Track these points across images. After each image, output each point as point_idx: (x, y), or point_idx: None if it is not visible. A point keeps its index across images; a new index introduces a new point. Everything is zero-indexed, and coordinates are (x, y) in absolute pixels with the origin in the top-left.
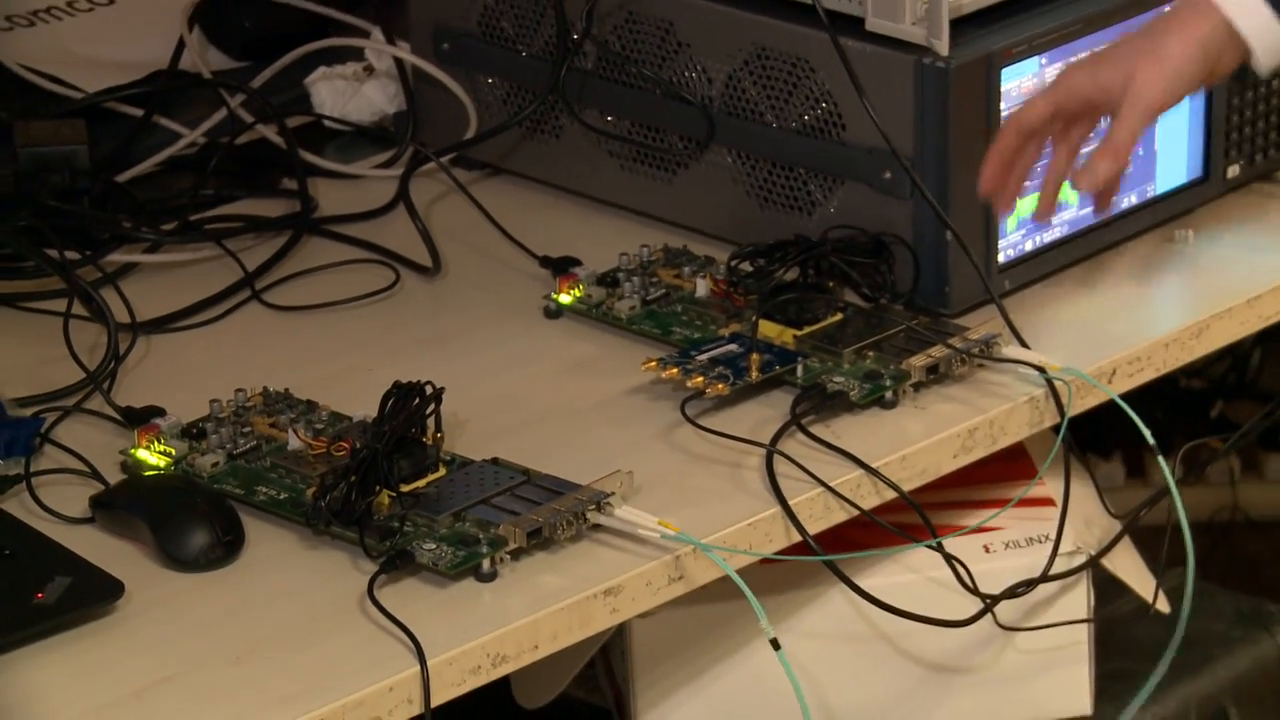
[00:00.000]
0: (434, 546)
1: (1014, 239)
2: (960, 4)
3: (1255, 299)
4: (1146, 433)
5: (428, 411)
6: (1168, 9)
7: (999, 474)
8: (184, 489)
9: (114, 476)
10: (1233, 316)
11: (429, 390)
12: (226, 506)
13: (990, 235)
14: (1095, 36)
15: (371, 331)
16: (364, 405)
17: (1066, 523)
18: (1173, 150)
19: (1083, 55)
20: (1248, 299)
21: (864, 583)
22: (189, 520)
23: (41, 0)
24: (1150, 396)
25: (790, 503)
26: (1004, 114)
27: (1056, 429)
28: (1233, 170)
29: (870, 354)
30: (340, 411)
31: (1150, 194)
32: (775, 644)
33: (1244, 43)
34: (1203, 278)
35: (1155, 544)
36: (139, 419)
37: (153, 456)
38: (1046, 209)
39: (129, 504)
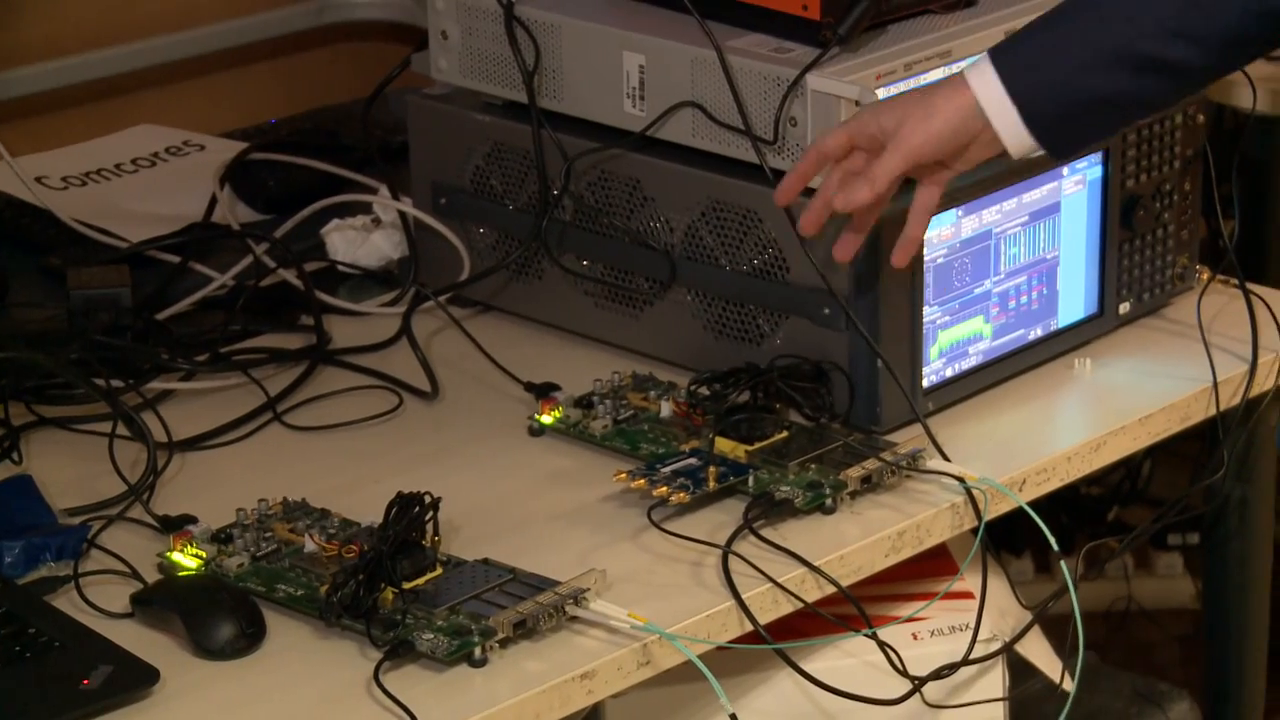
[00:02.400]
0: (432, 636)
1: (937, 366)
2: None
3: (1146, 418)
4: (1051, 539)
5: (427, 518)
6: (942, 83)
7: (925, 570)
8: (213, 587)
9: (151, 576)
10: (1126, 433)
11: (428, 499)
12: (250, 602)
13: (916, 363)
14: (1002, 193)
15: (378, 448)
16: (371, 513)
17: (984, 613)
18: (1072, 289)
19: (877, 104)
20: (1139, 418)
21: (808, 666)
22: (217, 615)
23: (93, 163)
24: (1055, 502)
25: (743, 597)
26: (926, 259)
27: (975, 531)
28: (1124, 307)
29: (812, 466)
30: (350, 518)
31: (1053, 328)
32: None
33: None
34: (1100, 400)
35: (1061, 631)
36: (174, 526)
37: (186, 559)
38: (813, 220)
39: (164, 600)
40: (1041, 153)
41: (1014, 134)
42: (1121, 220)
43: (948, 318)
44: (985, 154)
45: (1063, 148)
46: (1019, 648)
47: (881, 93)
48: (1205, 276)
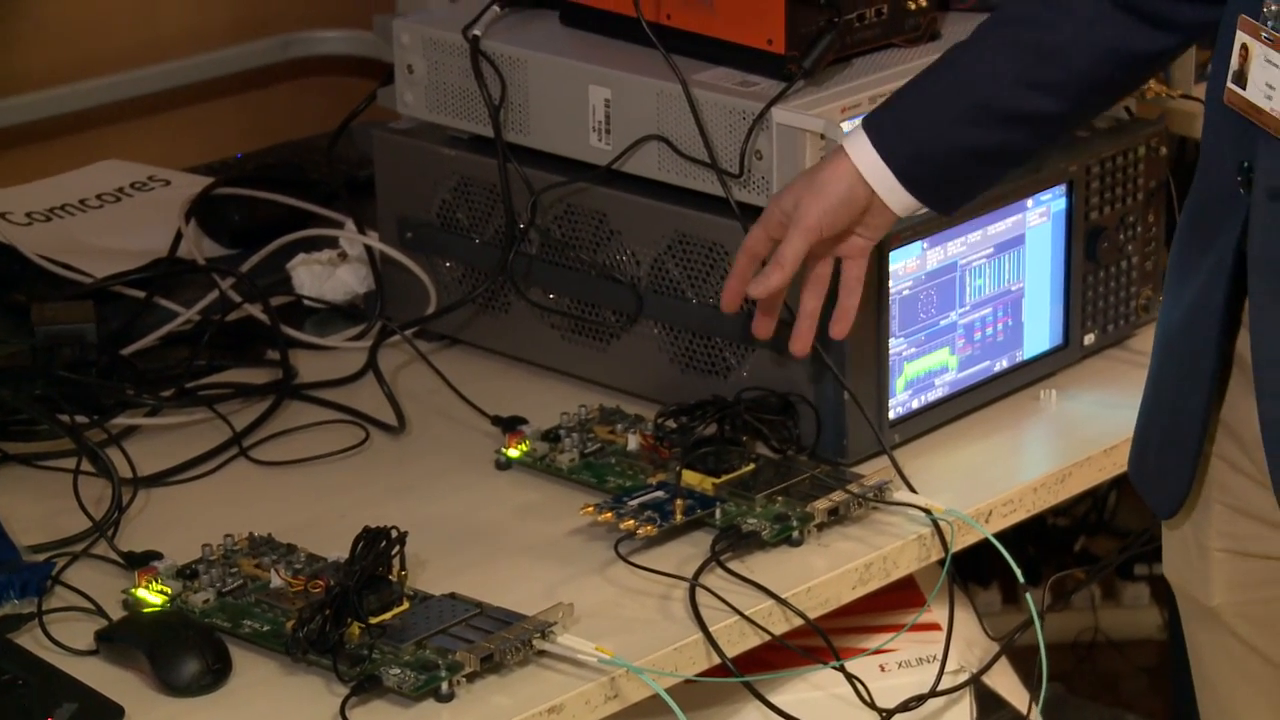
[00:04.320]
0: (399, 671)
1: (903, 398)
2: None
3: (1111, 449)
4: (1017, 571)
5: (393, 553)
6: (828, 155)
7: (892, 602)
8: (178, 623)
9: (116, 613)
10: (1092, 464)
11: (394, 534)
12: (215, 638)
13: (882, 395)
14: (967, 225)
15: (344, 483)
16: (337, 548)
17: (951, 645)
18: (1037, 321)
19: (778, 193)
20: (1104, 449)
21: (776, 699)
22: (182, 651)
23: (58, 198)
24: (1022, 533)
25: (711, 630)
26: (892, 291)
27: (942, 563)
28: (1089, 338)
29: (779, 499)
30: (316, 553)
31: (1019, 359)
32: None
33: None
34: (1065, 431)
35: (1029, 662)
36: (139, 562)
37: (151, 595)
38: (763, 326)
39: (129, 637)
40: (925, 210)
41: (895, 196)
42: (1086, 252)
43: (914, 349)
44: (883, 218)
45: (944, 203)
46: (986, 679)
47: (846, 126)
48: None
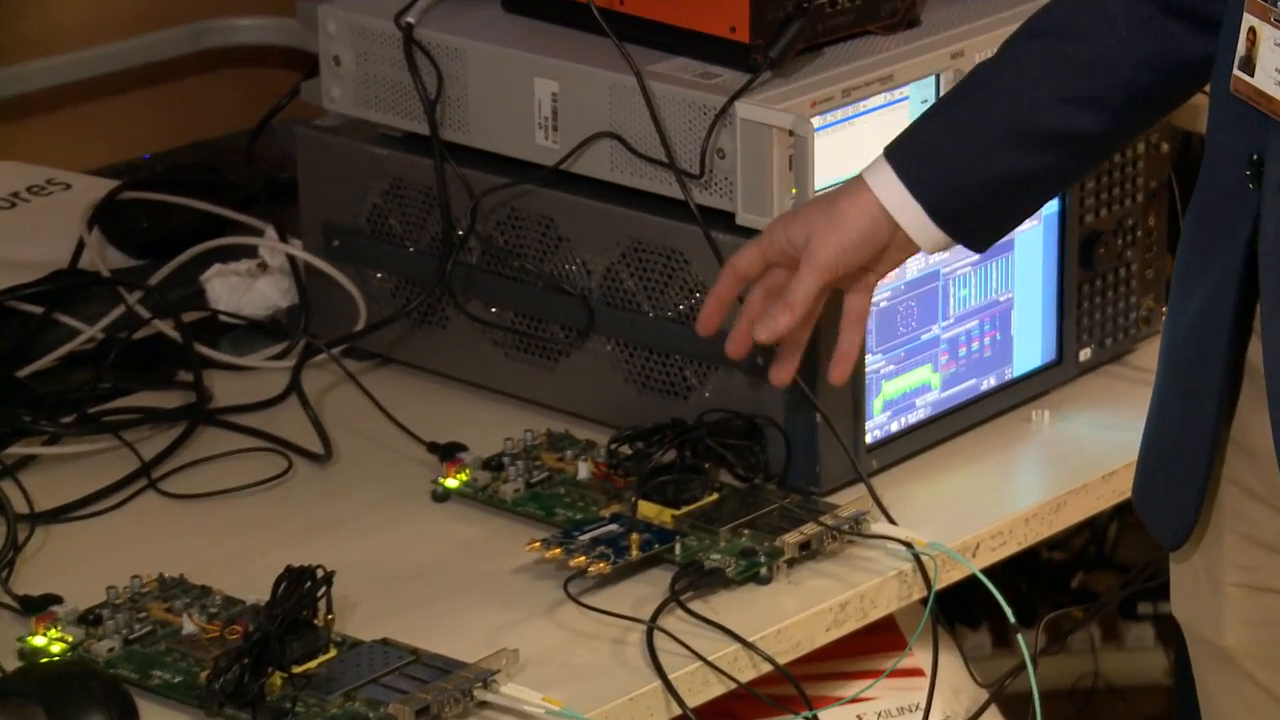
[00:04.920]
0: None
1: (880, 420)
2: None
3: (1110, 475)
4: (1007, 610)
5: (319, 594)
6: (845, 185)
7: (870, 646)
8: (80, 675)
9: (11, 664)
10: (1089, 492)
11: (320, 573)
12: (122, 691)
13: (858, 417)
14: None
15: (264, 518)
16: (257, 589)
17: (935, 692)
18: (1028, 335)
19: (788, 212)
20: (1103, 475)
21: None
22: (84, 706)
23: None
24: (1013, 569)
25: (670, 677)
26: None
27: (925, 602)
28: (1085, 354)
29: (745, 532)
30: (234, 596)
31: (1008, 377)
32: None
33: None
34: (1060, 456)
35: (1021, 711)
36: (36, 607)
37: (49, 643)
38: (739, 344)
39: (26, 691)
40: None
41: (924, 233)
42: (1081, 259)
43: (892, 367)
44: (904, 255)
45: (978, 239)
46: None
47: (818, 121)
48: None
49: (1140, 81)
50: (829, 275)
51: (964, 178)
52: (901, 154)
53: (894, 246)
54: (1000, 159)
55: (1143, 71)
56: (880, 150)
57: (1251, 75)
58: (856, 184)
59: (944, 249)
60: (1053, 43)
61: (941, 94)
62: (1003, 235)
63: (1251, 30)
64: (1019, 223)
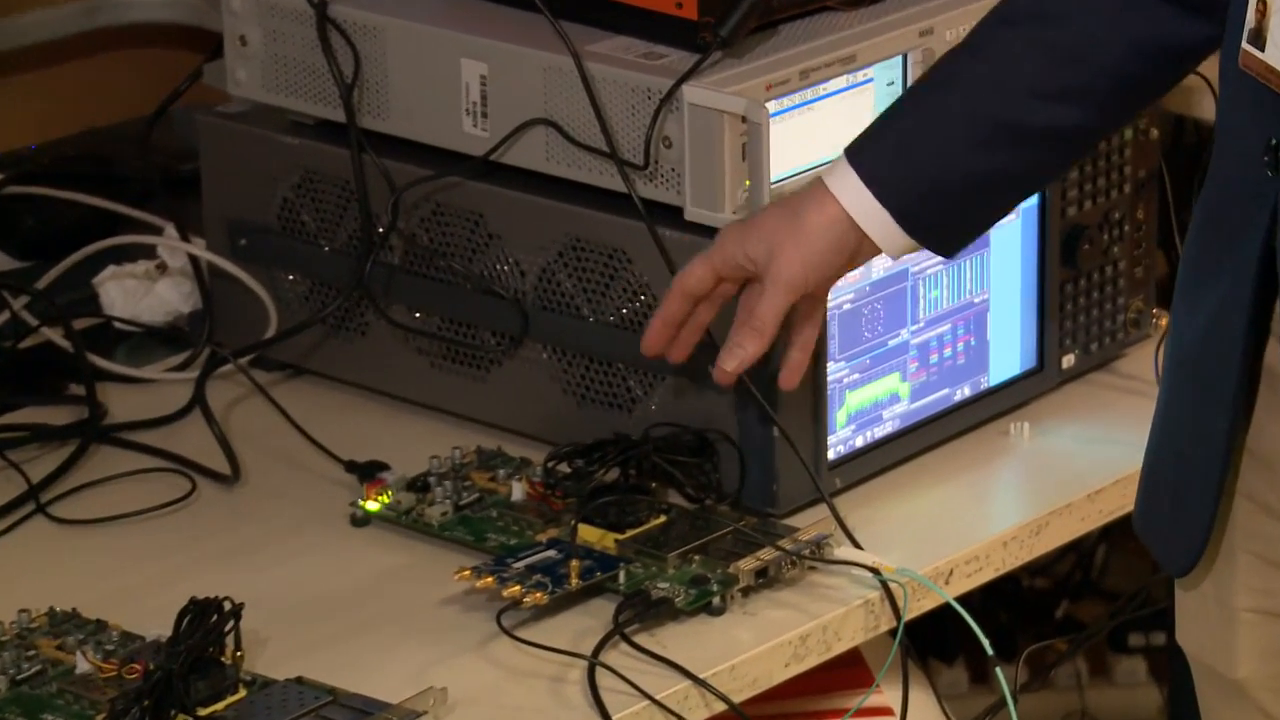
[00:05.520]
0: None
1: (844, 435)
2: (782, 192)
3: (1096, 493)
4: (985, 642)
5: (226, 629)
6: (805, 191)
7: (834, 682)
8: None
9: None
10: (1073, 512)
11: (228, 606)
12: None
13: (819, 431)
14: None
15: (166, 545)
16: (158, 624)
17: None
18: (1006, 340)
19: (741, 222)
20: (1088, 493)
21: None
22: None
23: None
24: (992, 597)
25: (615, 718)
26: (830, 306)
27: (893, 633)
28: (1068, 360)
29: (696, 558)
30: (132, 631)
31: (984, 386)
32: None
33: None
34: (1041, 472)
35: None
36: None
37: None
38: (679, 354)
39: None
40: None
41: (891, 240)
42: (1063, 256)
43: (857, 375)
44: (865, 261)
45: (948, 244)
46: None
47: (773, 106)
48: (1164, 322)
49: (1127, 70)
50: (798, 293)
51: (934, 180)
52: (865, 155)
53: (860, 254)
54: (974, 158)
55: (1130, 59)
56: (841, 145)
57: (1262, 50)
58: (818, 190)
59: (906, 254)
60: (1031, 30)
61: (909, 77)
62: (975, 238)
63: (1262, 0)
64: (990, 226)
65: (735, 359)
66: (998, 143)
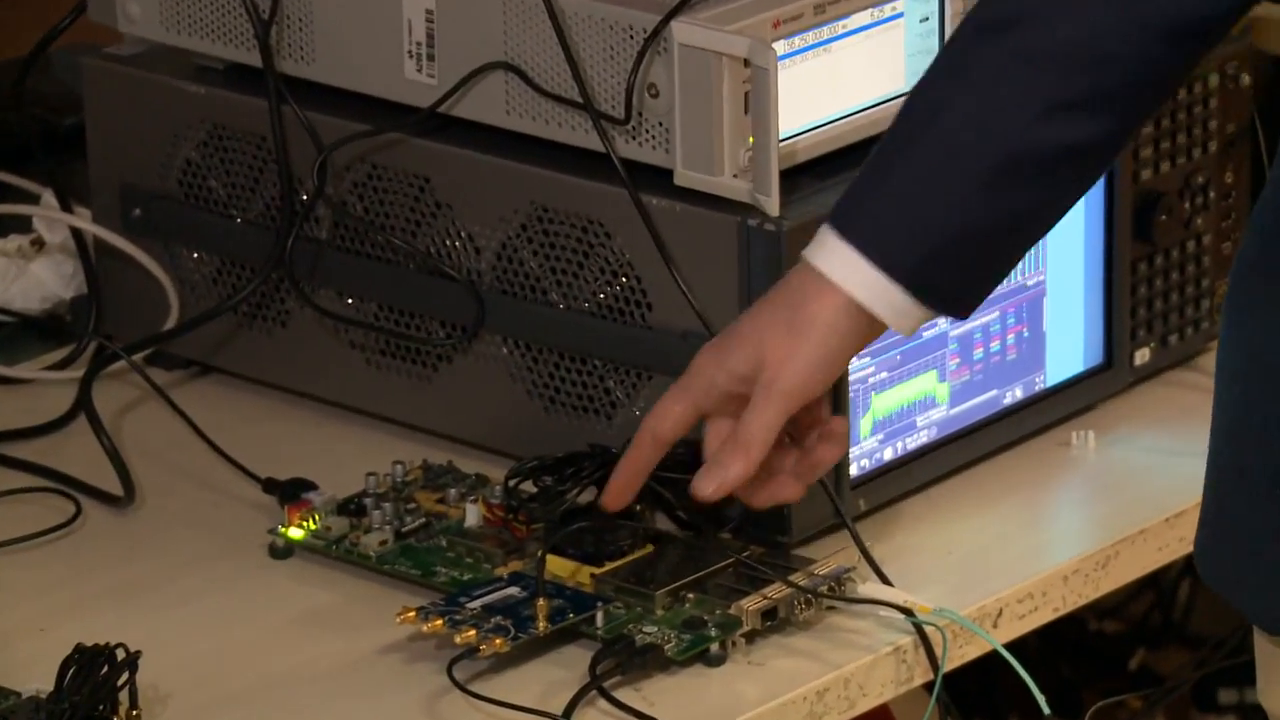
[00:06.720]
0: None
1: (869, 446)
2: (793, 151)
3: (1176, 517)
4: (1040, 698)
5: (119, 682)
6: (788, 280)
7: None
8: None
9: None
10: (1148, 540)
11: (121, 655)
12: None
13: None
14: None
15: (45, 580)
16: (36, 676)
17: None
18: (1066, 331)
19: (716, 338)
20: (1166, 517)
21: None
22: None
23: None
24: (1050, 643)
25: None
26: None
27: (930, 687)
28: (1141, 355)
29: (690, 596)
30: (6, 686)
31: (1039, 387)
32: None
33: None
34: (1109, 491)
35: None
36: None
37: None
38: (619, 495)
39: None
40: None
41: (904, 316)
42: (1135, 230)
43: (885, 374)
44: (871, 340)
45: (964, 306)
46: None
47: (782, 47)
48: None
49: (1141, 61)
50: (796, 403)
51: (943, 239)
52: (857, 224)
53: (868, 341)
54: (985, 204)
55: (1142, 48)
56: (865, 95)
57: None
58: (807, 276)
59: (922, 325)
60: (1021, 40)
61: (949, 14)
62: (990, 292)
63: None
64: (1009, 271)
65: (716, 481)
66: (1008, 179)
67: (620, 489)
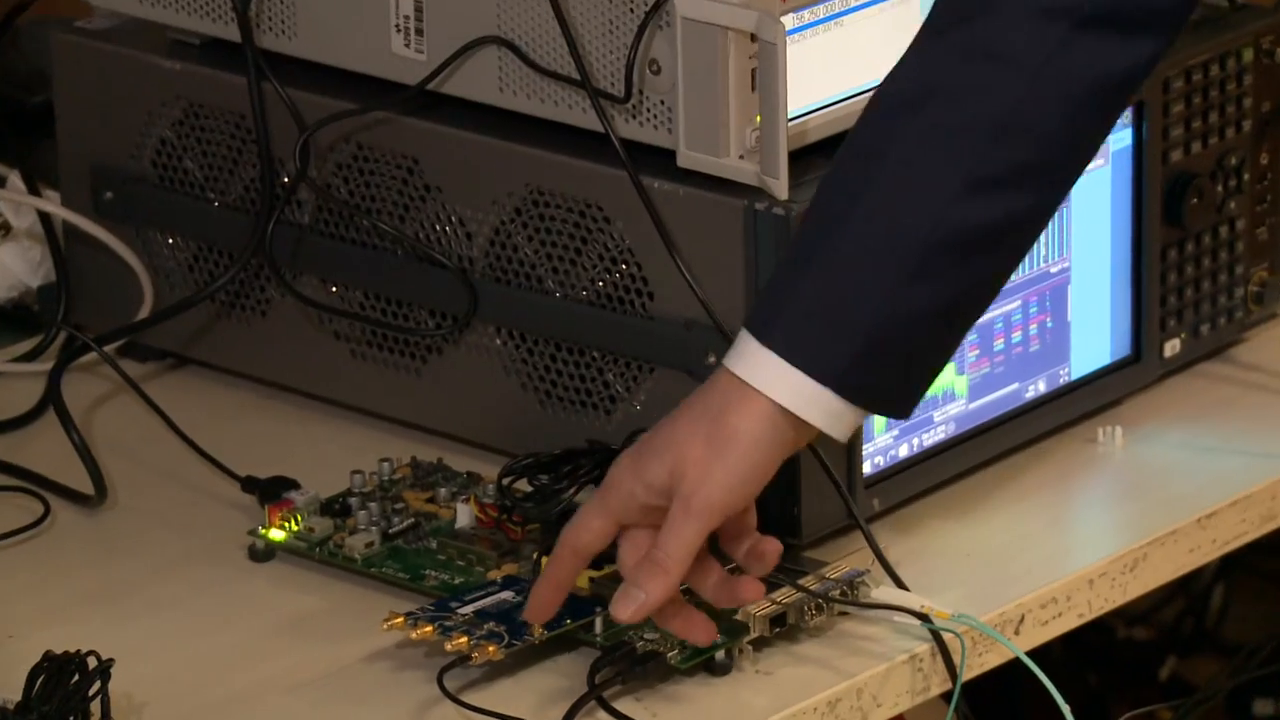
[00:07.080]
0: None
1: (883, 443)
2: (803, 131)
3: (1209, 517)
4: (1065, 709)
5: (91, 691)
6: (709, 387)
7: None
8: None
9: None
10: (1179, 542)
11: (92, 663)
12: None
13: (853, 440)
14: None
15: (11, 584)
16: (3, 686)
17: None
18: (1092, 321)
19: (634, 446)
20: (1198, 517)
21: None
22: None
23: None
24: (1076, 651)
25: None
26: None
27: (948, 696)
28: (1172, 347)
29: (694, 601)
30: None
31: (1064, 380)
32: None
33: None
34: (1138, 490)
35: None
36: None
37: None
38: (542, 609)
39: None
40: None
41: (838, 420)
42: (1165, 213)
43: None
44: (799, 447)
45: (903, 405)
46: None
47: (791, 20)
48: None
49: (1073, 122)
50: (717, 520)
51: (872, 334)
52: (778, 328)
53: (796, 448)
54: (914, 293)
55: (1073, 108)
56: (879, 71)
57: None
58: (728, 386)
59: (856, 427)
60: (941, 112)
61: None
62: (933, 383)
63: None
64: (949, 358)
65: (634, 604)
66: (934, 265)
67: (542, 605)
